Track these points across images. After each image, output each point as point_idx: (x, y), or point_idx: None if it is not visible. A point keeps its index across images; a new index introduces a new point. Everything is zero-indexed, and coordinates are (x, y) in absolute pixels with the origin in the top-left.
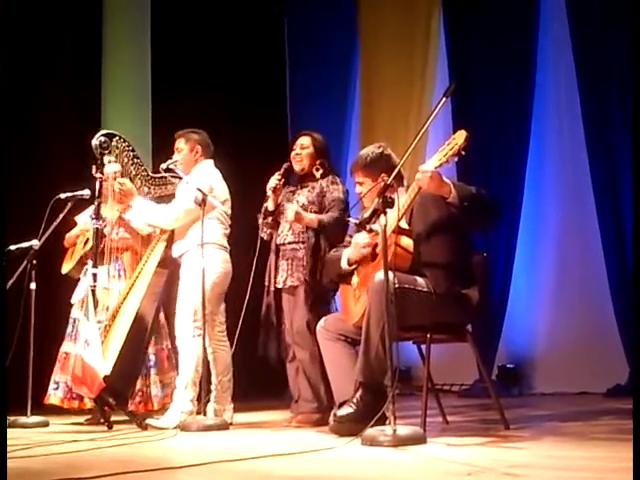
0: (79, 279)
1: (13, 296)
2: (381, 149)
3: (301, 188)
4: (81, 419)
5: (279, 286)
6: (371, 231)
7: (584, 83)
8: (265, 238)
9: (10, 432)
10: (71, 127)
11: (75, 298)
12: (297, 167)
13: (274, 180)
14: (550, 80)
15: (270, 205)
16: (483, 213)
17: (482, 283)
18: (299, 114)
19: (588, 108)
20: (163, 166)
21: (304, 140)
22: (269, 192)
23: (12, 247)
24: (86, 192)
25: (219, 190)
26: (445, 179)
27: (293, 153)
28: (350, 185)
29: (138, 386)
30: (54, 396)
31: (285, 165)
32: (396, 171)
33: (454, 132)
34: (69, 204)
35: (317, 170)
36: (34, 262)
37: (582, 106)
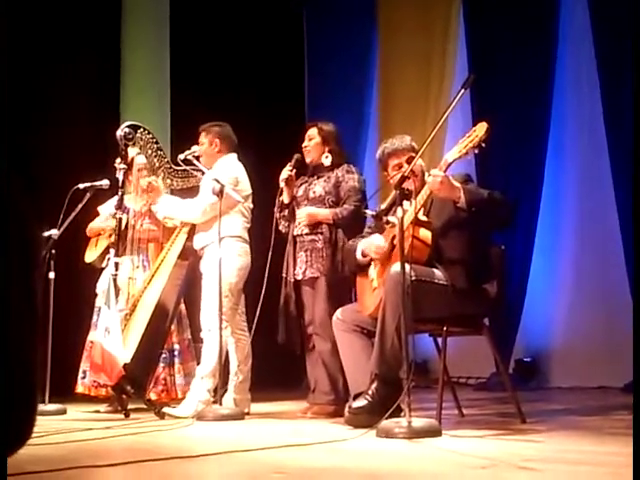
0: (103, 269)
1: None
2: (409, 138)
3: (317, 179)
4: (102, 407)
5: (298, 278)
6: (388, 222)
7: (604, 72)
8: (284, 231)
9: None
10: (90, 118)
11: (99, 287)
12: (307, 159)
13: (286, 172)
14: (570, 70)
15: (285, 198)
16: (493, 218)
17: (500, 276)
18: (318, 106)
19: (608, 97)
20: (181, 157)
21: (311, 131)
22: (282, 184)
23: None
24: (105, 182)
25: (243, 184)
26: (456, 183)
27: (303, 145)
28: (368, 173)
29: (162, 375)
30: (81, 385)
31: (296, 156)
32: (414, 162)
33: (473, 123)
34: (88, 194)
35: (326, 157)
36: (53, 252)
37: (602, 95)
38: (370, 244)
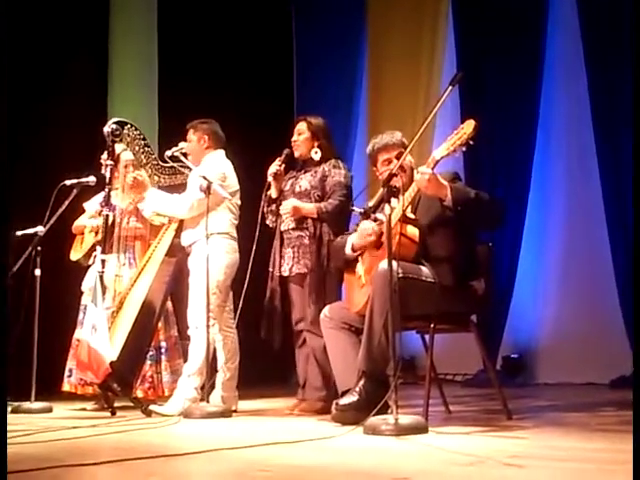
0: (89, 266)
1: (18, 282)
2: (400, 134)
3: (304, 173)
4: (88, 405)
5: (285, 274)
6: (376, 220)
7: (593, 69)
8: (271, 226)
9: (14, 417)
10: (77, 114)
11: (85, 285)
12: (296, 154)
13: (274, 166)
14: (559, 67)
15: (273, 192)
16: (479, 218)
17: (487, 274)
18: (306, 101)
19: (596, 95)
20: (168, 153)
21: (300, 126)
22: (270, 178)
23: (17, 233)
24: (91, 179)
25: (230, 180)
26: (443, 182)
27: (292, 140)
28: (357, 170)
29: (149, 372)
30: (67, 383)
31: (285, 151)
32: (402, 158)
33: (462, 120)
34: (74, 191)
35: (315, 153)
36: (39, 248)
37: (590, 92)
38: (361, 232)
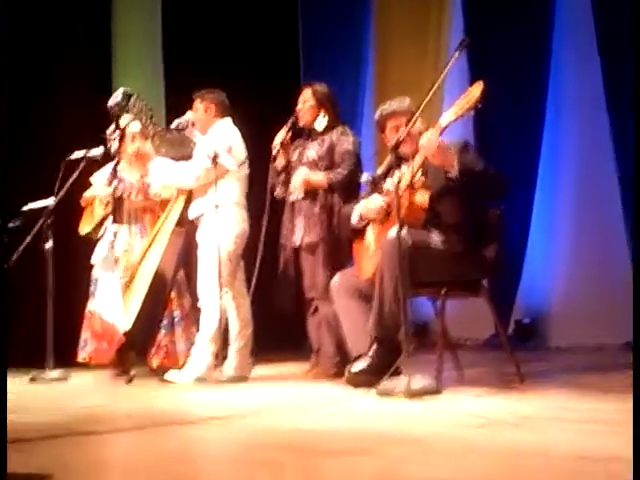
0: (99, 239)
1: (30, 256)
2: (409, 100)
3: (311, 142)
4: (104, 374)
5: (297, 243)
6: (383, 188)
7: (604, 39)
8: (280, 196)
9: (30, 387)
10: (83, 88)
11: (95, 258)
12: (302, 122)
13: (281, 135)
14: (569, 28)
15: (280, 163)
16: (484, 191)
17: (498, 239)
18: (313, 68)
19: (608, 54)
20: (174, 124)
21: (305, 93)
22: (276, 148)
23: (27, 207)
24: (98, 151)
25: (237, 149)
26: (451, 152)
27: (297, 108)
28: (365, 138)
29: (164, 341)
30: (83, 353)
31: (291, 120)
32: (411, 125)
33: (470, 84)
34: (82, 164)
35: (321, 120)
36: (49, 221)
37: (601, 52)
38: (367, 206)
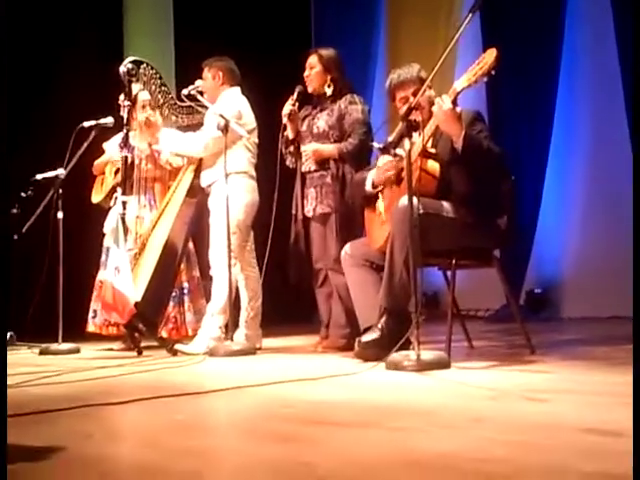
0: (110, 208)
1: (41, 226)
2: (418, 67)
3: (320, 111)
4: (115, 345)
5: (309, 215)
6: (395, 155)
7: (618, 5)
8: (291, 167)
9: (41, 359)
10: (94, 55)
11: (107, 227)
12: (309, 89)
13: (288, 106)
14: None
15: (290, 133)
16: (484, 169)
17: (510, 209)
18: (324, 35)
19: (622, 28)
20: (184, 92)
21: (311, 59)
22: (285, 119)
23: (38, 177)
24: (109, 120)
25: (247, 118)
26: (460, 121)
27: (304, 75)
28: (376, 104)
29: (173, 313)
30: (92, 324)
31: (298, 89)
32: (421, 93)
33: (483, 50)
34: (93, 132)
35: (328, 87)
36: (60, 191)
37: (616, 26)
38: (379, 168)
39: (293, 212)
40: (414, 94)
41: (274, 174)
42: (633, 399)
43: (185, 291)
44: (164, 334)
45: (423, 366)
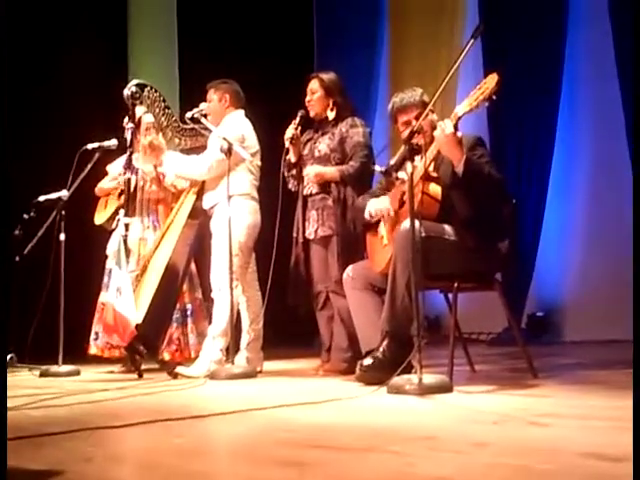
0: (113, 230)
1: (43, 247)
2: (421, 91)
3: (322, 135)
4: (115, 368)
5: (310, 237)
6: (397, 179)
7: (617, 23)
8: (293, 190)
9: (42, 381)
10: (98, 77)
11: (110, 249)
12: (311, 113)
13: (290, 130)
14: (583, 20)
15: (292, 157)
16: (485, 194)
17: (512, 232)
18: (327, 59)
19: (621, 48)
20: (188, 115)
21: (313, 84)
22: (287, 143)
23: (41, 198)
24: (113, 142)
25: (250, 141)
26: (462, 147)
27: (306, 100)
28: (378, 128)
29: (176, 335)
30: (94, 346)
31: (300, 113)
32: (423, 117)
33: (484, 75)
34: (97, 155)
35: (331, 111)
36: (63, 213)
37: (615, 46)
38: (376, 206)
39: (294, 235)
40: (416, 118)
41: (276, 197)
42: (633, 423)
43: (188, 313)
44: (167, 356)
45: (425, 390)
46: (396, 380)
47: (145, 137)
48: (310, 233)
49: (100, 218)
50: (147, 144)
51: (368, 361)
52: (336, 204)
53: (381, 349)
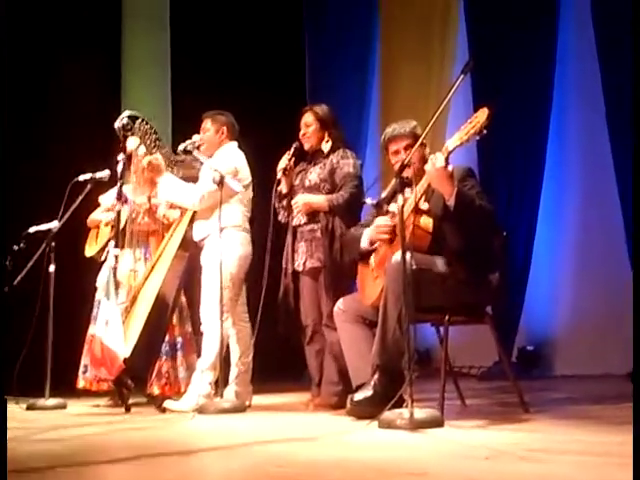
0: (103, 262)
1: (33, 279)
2: (414, 124)
3: (314, 165)
4: (102, 402)
5: (299, 269)
6: (388, 212)
7: (605, 56)
8: (283, 221)
9: (28, 414)
10: (92, 110)
11: (100, 281)
12: (306, 146)
13: (284, 161)
14: (571, 54)
15: (284, 188)
16: (476, 225)
17: (502, 265)
18: (318, 92)
19: (609, 82)
20: (181, 147)
21: (307, 118)
22: (279, 174)
23: (31, 229)
24: (105, 174)
25: (243, 173)
26: (453, 181)
27: (300, 133)
28: (369, 160)
29: (165, 368)
30: (83, 379)
31: (294, 145)
32: (414, 149)
33: (474, 108)
34: (88, 186)
35: (326, 142)
36: (53, 244)
37: (603, 80)
38: (376, 227)
39: (284, 265)
40: (405, 148)
41: (268, 227)
42: (633, 459)
43: (178, 346)
44: (157, 390)
45: (416, 424)
46: (387, 414)
47: (142, 159)
48: (299, 265)
49: (91, 250)
50: (146, 164)
51: (359, 395)
52: (324, 234)
53: (372, 383)
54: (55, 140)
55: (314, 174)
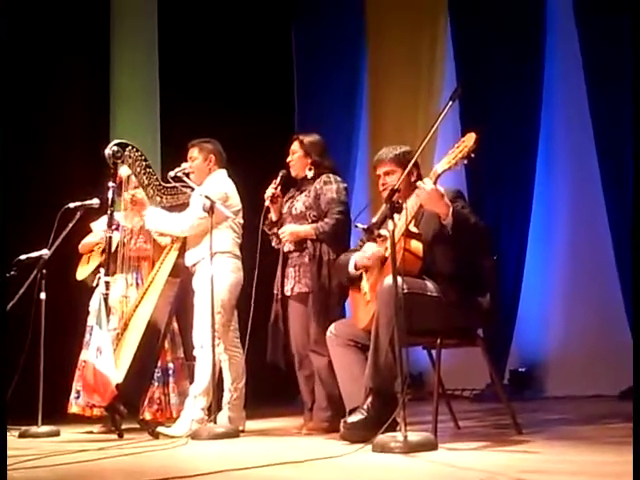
0: (96, 287)
1: (24, 306)
2: (404, 150)
3: (300, 193)
4: (95, 428)
5: (288, 294)
6: (379, 236)
7: (592, 80)
8: (276, 247)
9: (21, 442)
10: (80, 135)
11: (92, 306)
12: (292, 173)
13: (270, 190)
14: (558, 78)
15: (273, 215)
16: (472, 244)
17: (493, 287)
18: (307, 118)
19: (597, 105)
20: (171, 174)
21: (293, 146)
22: (267, 202)
23: (22, 257)
24: (95, 201)
25: (233, 200)
26: (446, 201)
27: (287, 160)
28: (358, 185)
29: (157, 394)
30: (75, 405)
31: (281, 173)
32: (404, 174)
33: (462, 133)
34: (78, 213)
35: (309, 170)
36: (44, 271)
37: (590, 103)
38: (363, 254)
39: (274, 291)
40: (386, 174)
41: (255, 253)
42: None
43: (170, 372)
44: (148, 416)
45: (410, 448)
46: (381, 438)
47: (128, 193)
48: (287, 290)
49: (82, 273)
50: (129, 200)
51: (352, 418)
52: (312, 261)
53: (365, 406)
54: (45, 169)
55: (300, 202)
